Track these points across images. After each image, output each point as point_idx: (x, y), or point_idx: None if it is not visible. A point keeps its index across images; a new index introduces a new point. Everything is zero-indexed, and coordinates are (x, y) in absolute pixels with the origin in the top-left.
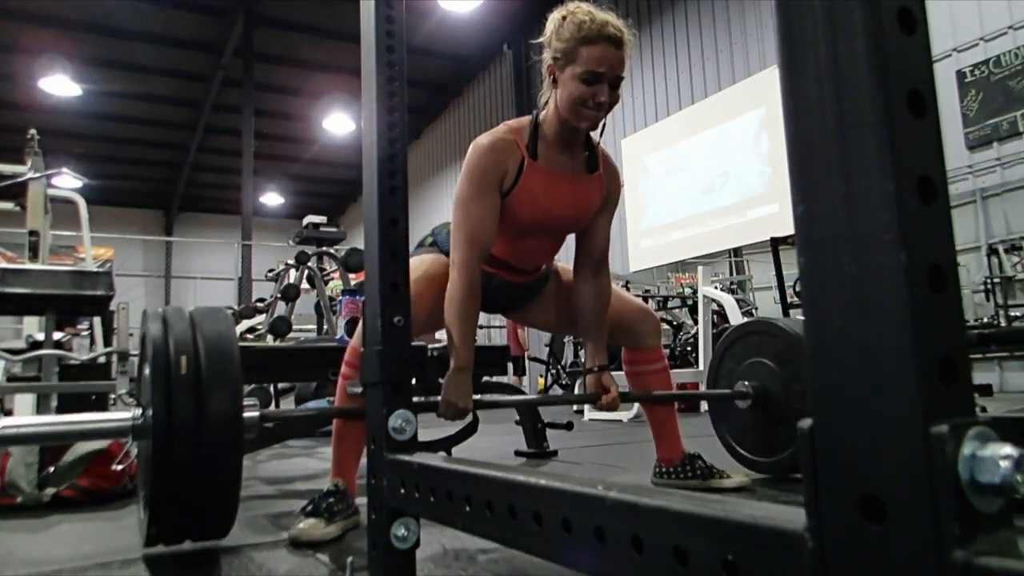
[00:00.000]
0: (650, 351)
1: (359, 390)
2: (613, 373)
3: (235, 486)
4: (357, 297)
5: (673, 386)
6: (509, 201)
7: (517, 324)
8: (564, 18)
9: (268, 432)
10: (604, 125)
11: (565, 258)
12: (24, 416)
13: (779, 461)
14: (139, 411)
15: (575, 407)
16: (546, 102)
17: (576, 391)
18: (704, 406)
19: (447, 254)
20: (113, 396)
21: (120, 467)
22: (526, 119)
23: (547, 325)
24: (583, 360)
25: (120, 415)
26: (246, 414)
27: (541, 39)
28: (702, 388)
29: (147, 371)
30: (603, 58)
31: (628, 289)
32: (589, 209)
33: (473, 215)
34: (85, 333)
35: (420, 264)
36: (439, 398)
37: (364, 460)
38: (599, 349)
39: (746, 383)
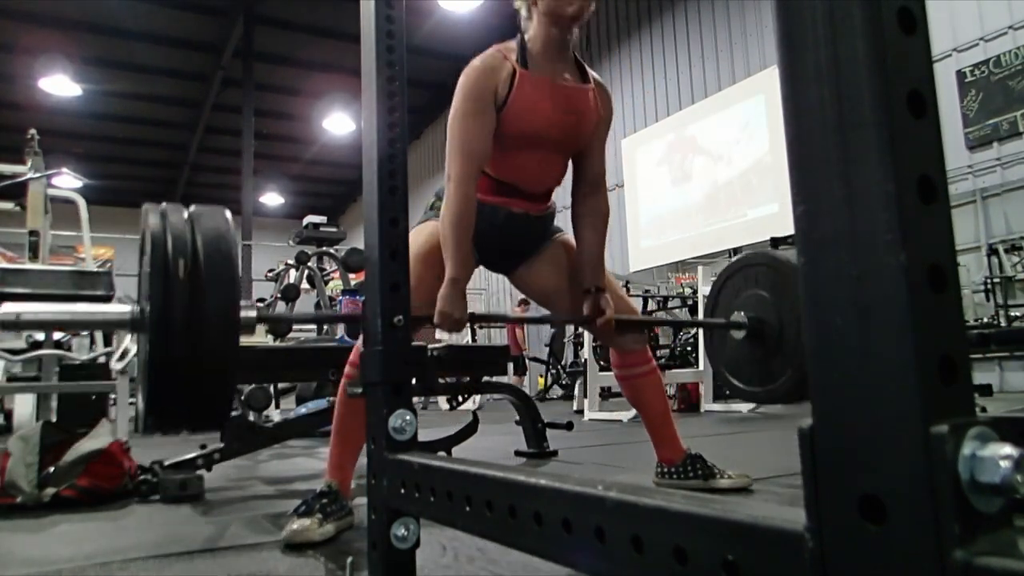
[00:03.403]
0: (636, 354)
1: (359, 390)
2: (602, 374)
3: (229, 378)
4: (357, 297)
5: (664, 386)
6: (506, 114)
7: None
8: None
9: (268, 432)
10: (587, 46)
11: (565, 225)
12: (29, 303)
13: (773, 390)
14: (137, 305)
15: (575, 407)
16: (528, 18)
17: (575, 389)
18: (704, 407)
19: None
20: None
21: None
22: (512, 41)
23: (543, 289)
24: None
25: (120, 308)
26: (243, 313)
27: None
28: (702, 387)
29: (146, 267)
30: None
31: (628, 290)
32: (586, 117)
33: (469, 129)
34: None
35: (419, 235)
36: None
37: (362, 460)
38: (598, 270)
39: (742, 313)
